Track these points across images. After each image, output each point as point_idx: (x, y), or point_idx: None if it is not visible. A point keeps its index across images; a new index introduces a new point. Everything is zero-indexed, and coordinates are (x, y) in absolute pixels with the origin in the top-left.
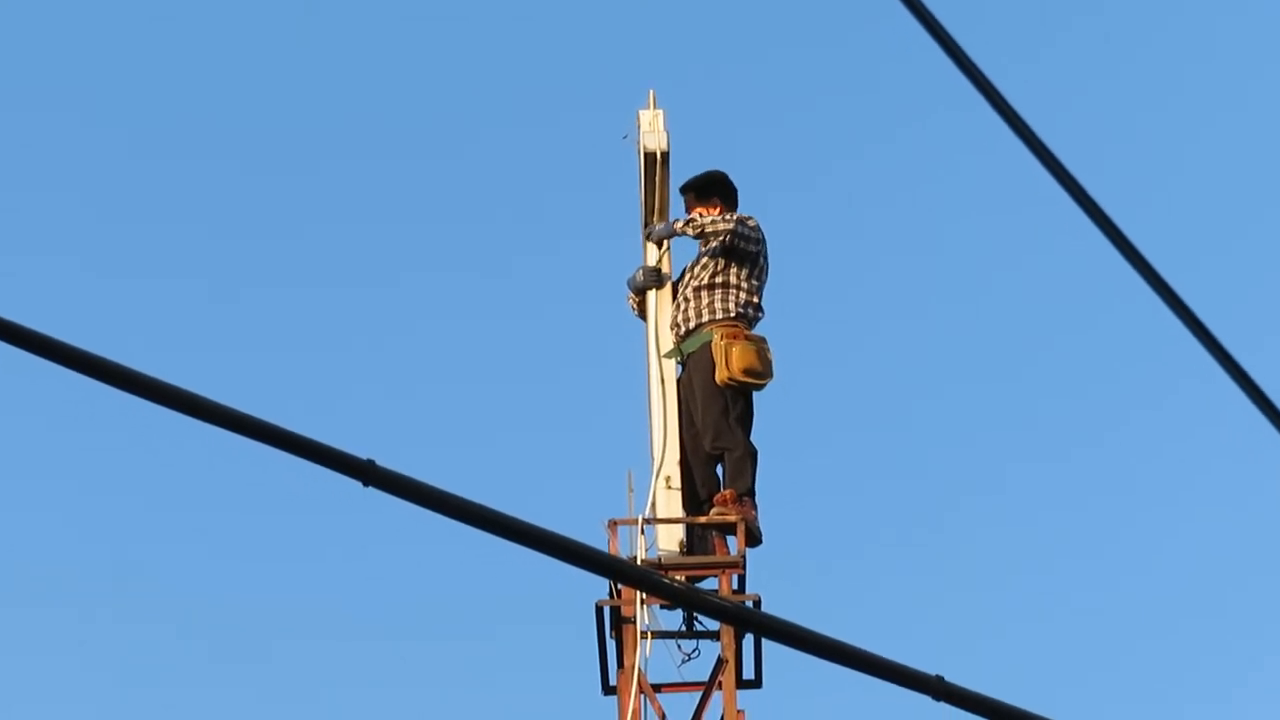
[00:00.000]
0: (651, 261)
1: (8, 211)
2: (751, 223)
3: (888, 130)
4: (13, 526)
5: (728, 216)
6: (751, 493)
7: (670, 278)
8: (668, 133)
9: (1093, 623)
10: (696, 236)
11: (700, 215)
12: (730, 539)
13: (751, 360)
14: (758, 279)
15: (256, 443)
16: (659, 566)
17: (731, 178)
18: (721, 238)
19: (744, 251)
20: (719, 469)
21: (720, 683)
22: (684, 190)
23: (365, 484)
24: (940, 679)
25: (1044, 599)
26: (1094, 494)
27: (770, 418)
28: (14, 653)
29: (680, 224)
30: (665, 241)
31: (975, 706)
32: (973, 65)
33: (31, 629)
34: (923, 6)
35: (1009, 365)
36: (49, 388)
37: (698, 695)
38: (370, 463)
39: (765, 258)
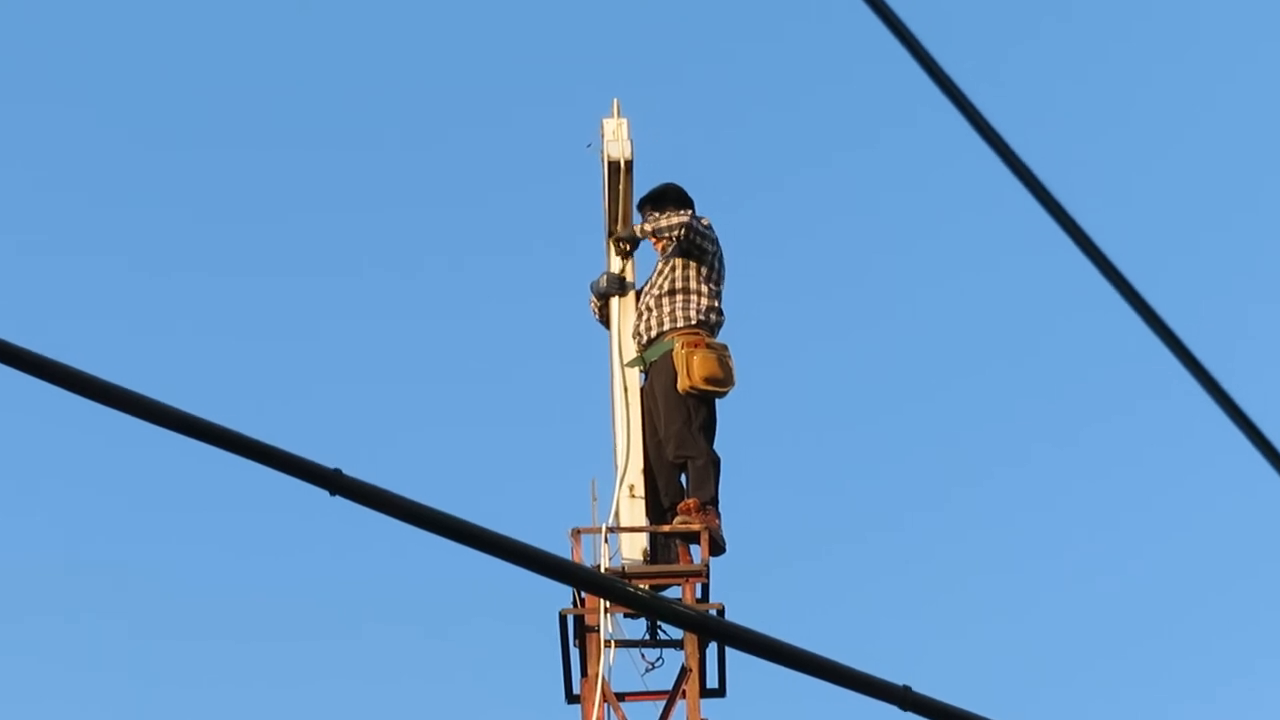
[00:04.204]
0: (615, 269)
1: None
2: (705, 222)
3: (855, 135)
4: None
5: (682, 213)
6: (715, 501)
7: (634, 285)
8: (631, 141)
9: (1062, 627)
10: (654, 234)
11: (655, 215)
12: (694, 547)
13: (713, 368)
14: (716, 283)
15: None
16: (622, 575)
17: (688, 188)
18: (677, 231)
19: (701, 250)
20: (682, 477)
21: (684, 691)
22: (640, 205)
23: (332, 493)
24: (907, 689)
25: (1012, 603)
26: (1061, 496)
27: (733, 425)
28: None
29: (639, 227)
30: (629, 248)
31: (942, 716)
32: (939, 69)
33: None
34: (888, 9)
35: (975, 368)
36: (19, 393)
37: (662, 704)
38: (337, 472)
39: (721, 260)
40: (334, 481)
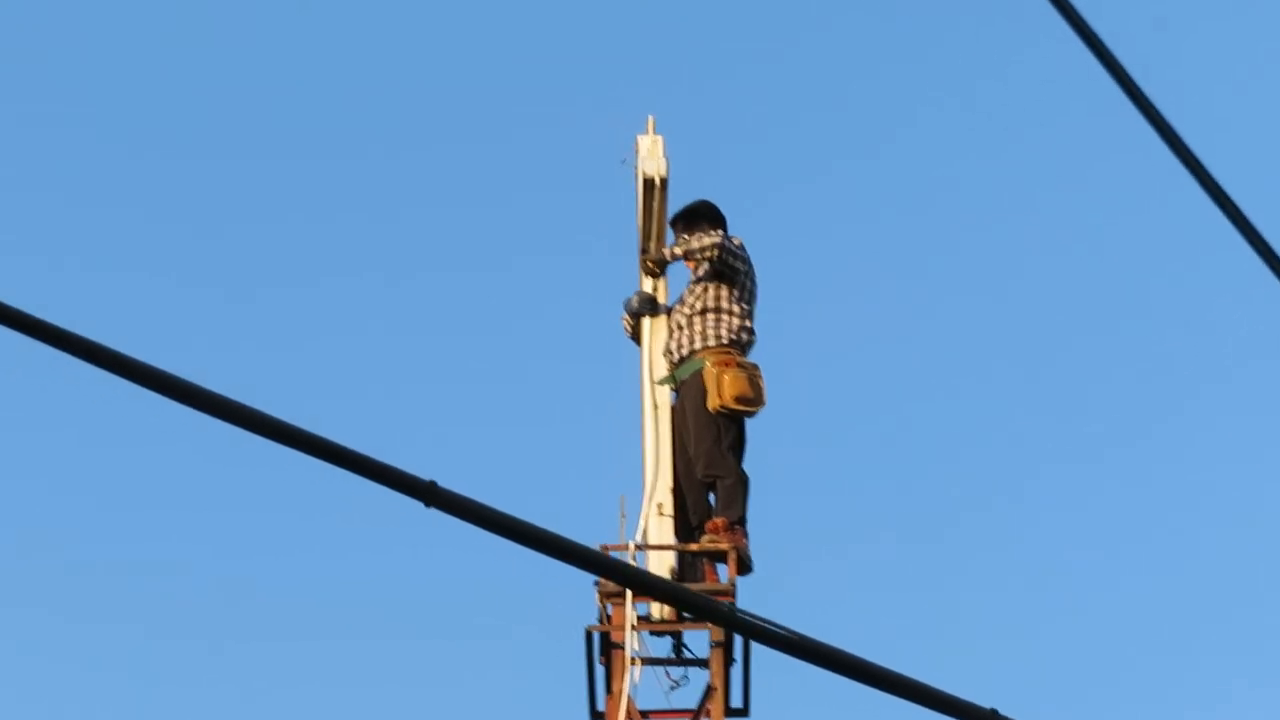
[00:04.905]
0: (647, 288)
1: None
2: (737, 241)
3: (885, 146)
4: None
5: (714, 233)
6: (743, 520)
7: (665, 306)
8: (667, 159)
9: (1089, 633)
10: (686, 256)
11: (686, 238)
12: (721, 567)
13: (743, 388)
14: (748, 303)
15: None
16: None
17: (722, 205)
18: (709, 253)
19: (732, 270)
20: (711, 496)
21: (708, 710)
22: (672, 222)
23: (428, 505)
24: (994, 712)
25: (1048, 609)
26: (1085, 508)
27: (763, 444)
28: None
29: (670, 250)
30: (659, 270)
31: None
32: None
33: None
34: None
35: (1007, 375)
36: (104, 398)
37: None
38: (432, 484)
39: (753, 280)
40: (429, 494)
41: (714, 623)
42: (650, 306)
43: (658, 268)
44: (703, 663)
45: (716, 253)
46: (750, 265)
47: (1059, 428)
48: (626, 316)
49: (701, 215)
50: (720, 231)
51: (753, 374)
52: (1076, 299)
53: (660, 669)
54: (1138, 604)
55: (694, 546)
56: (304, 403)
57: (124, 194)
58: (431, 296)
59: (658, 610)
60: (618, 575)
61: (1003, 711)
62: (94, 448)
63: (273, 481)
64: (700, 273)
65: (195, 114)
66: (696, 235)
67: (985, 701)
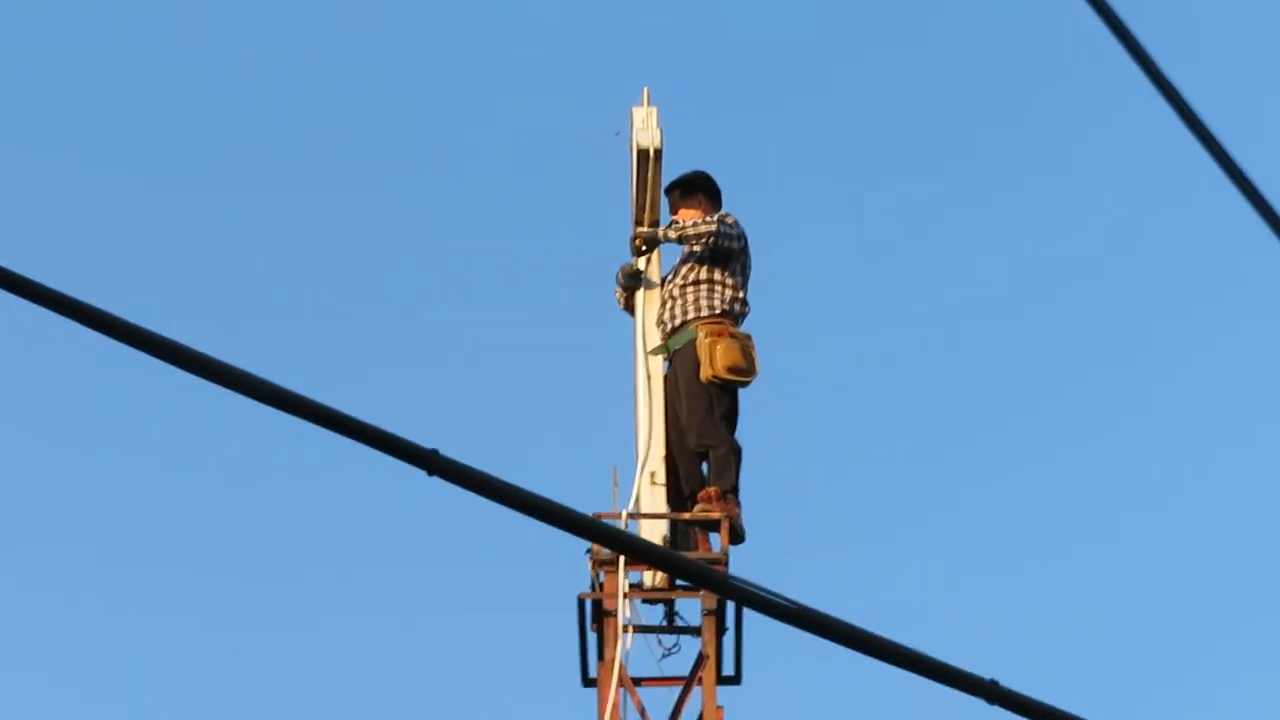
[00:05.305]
0: (641, 265)
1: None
2: (731, 219)
3: (883, 127)
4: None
5: (709, 219)
6: (735, 490)
7: (651, 281)
8: (661, 130)
9: (1091, 605)
10: (679, 241)
11: (682, 220)
12: (713, 536)
13: (736, 358)
14: (742, 274)
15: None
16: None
17: (716, 176)
18: (704, 239)
19: (727, 250)
20: (703, 466)
21: (700, 678)
22: (668, 190)
23: (430, 473)
24: (994, 683)
25: (1050, 580)
26: (1086, 492)
27: (755, 414)
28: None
29: (663, 230)
30: (651, 249)
31: (1029, 713)
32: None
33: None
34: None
35: (1015, 343)
36: (130, 375)
37: (677, 690)
38: (434, 452)
39: (747, 253)
40: (432, 462)
41: (709, 588)
42: (634, 282)
43: (649, 247)
44: (695, 630)
45: (712, 240)
46: (745, 239)
47: (1062, 401)
48: (619, 288)
49: (698, 187)
50: (715, 217)
51: (745, 344)
52: (1101, 267)
53: (652, 636)
54: (1142, 577)
55: (686, 515)
56: (306, 371)
57: (123, 158)
58: (429, 268)
59: (650, 578)
60: (614, 542)
61: (1003, 683)
62: (87, 412)
63: (274, 449)
64: (695, 248)
65: (201, 86)
66: (692, 221)
67: (985, 673)
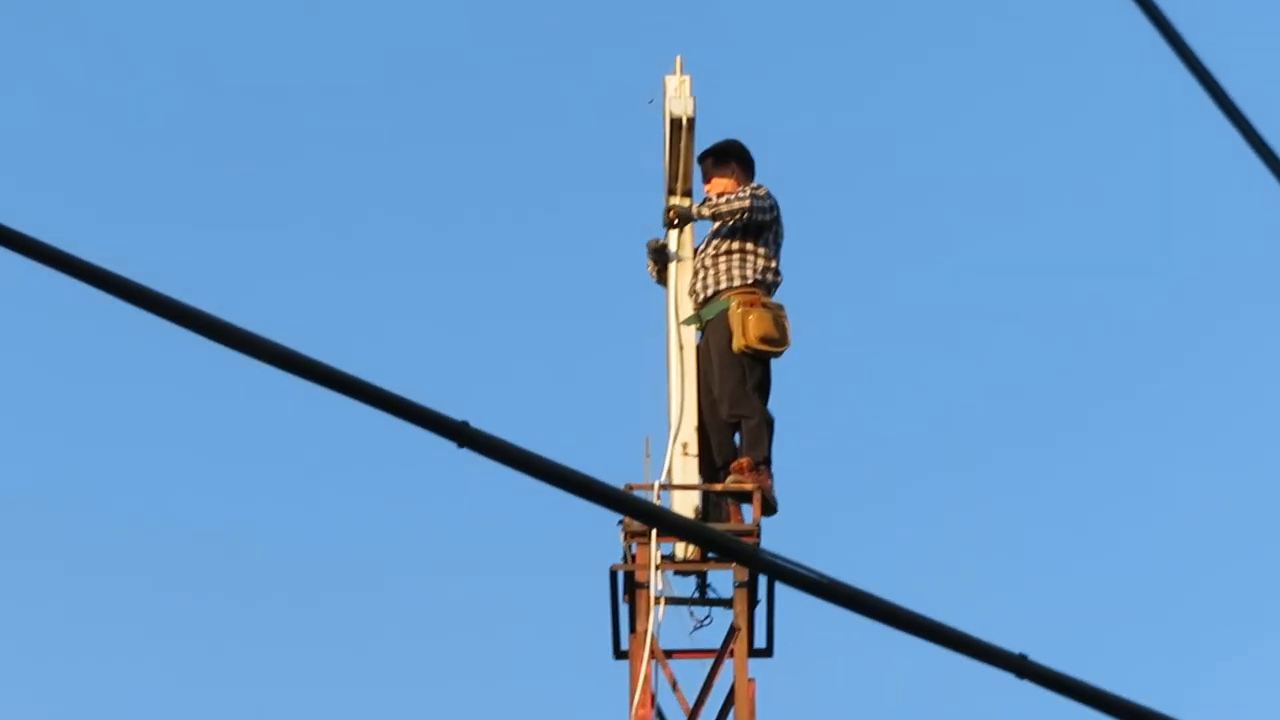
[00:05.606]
0: (672, 242)
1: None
2: (762, 191)
3: (919, 92)
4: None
5: (741, 193)
6: (768, 461)
7: (686, 253)
8: (694, 99)
9: (1120, 578)
10: (713, 218)
11: (715, 196)
12: (746, 507)
13: (768, 328)
14: (774, 244)
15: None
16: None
17: (749, 145)
18: (738, 216)
19: (760, 222)
20: (736, 437)
21: (732, 651)
22: (701, 158)
23: (460, 445)
24: (1023, 657)
25: (1080, 553)
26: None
27: (788, 385)
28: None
29: (696, 208)
30: (684, 224)
31: (1059, 687)
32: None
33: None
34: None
35: (1047, 305)
36: (127, 333)
37: (709, 662)
38: (465, 424)
39: (780, 223)
40: (462, 434)
41: (739, 562)
42: (662, 256)
43: (681, 222)
44: (727, 603)
45: (745, 216)
46: (777, 210)
47: (1096, 371)
48: (651, 261)
49: (731, 156)
50: (747, 191)
51: (778, 314)
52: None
53: (684, 608)
54: (1169, 550)
55: (718, 486)
56: (336, 342)
57: (156, 127)
58: (461, 237)
59: (682, 550)
60: (645, 515)
61: (1032, 657)
62: (113, 387)
63: (305, 421)
64: (729, 222)
65: (239, 53)
66: (724, 197)
67: (1014, 647)
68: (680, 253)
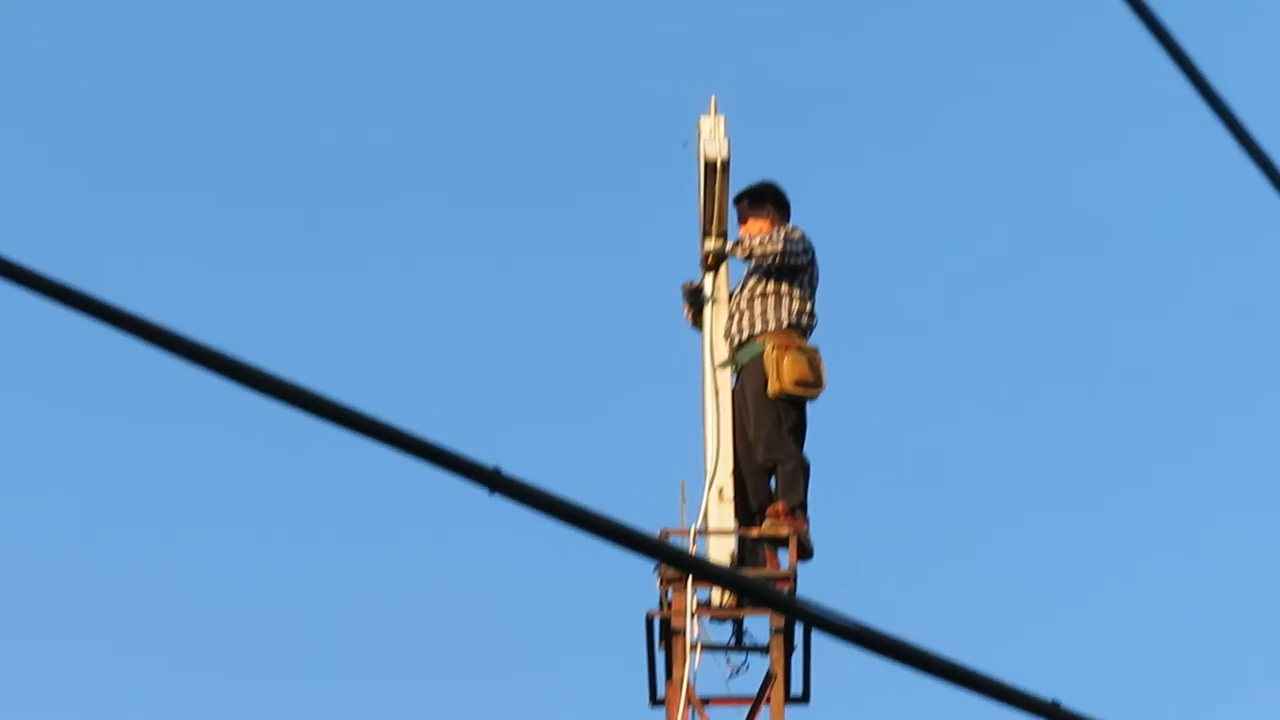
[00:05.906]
0: (707, 285)
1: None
2: (797, 234)
3: (953, 134)
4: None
5: (774, 236)
6: (804, 505)
7: (721, 296)
8: (729, 140)
9: (1153, 624)
10: (746, 259)
11: (749, 237)
12: (782, 552)
13: (803, 371)
14: (809, 286)
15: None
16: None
17: (784, 187)
18: (771, 259)
19: (795, 265)
20: (771, 481)
21: (769, 697)
22: (737, 200)
23: (491, 491)
24: (1056, 705)
25: (1113, 600)
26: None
27: (823, 429)
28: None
29: (730, 246)
30: (719, 265)
31: None
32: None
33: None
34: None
35: (1078, 348)
36: (179, 387)
37: (746, 709)
38: (496, 471)
39: (815, 266)
40: (493, 480)
41: (774, 610)
42: (696, 299)
43: (717, 264)
44: (763, 649)
45: (779, 260)
46: (812, 253)
47: (1128, 409)
48: (686, 304)
49: (767, 198)
50: (781, 234)
51: (813, 357)
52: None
53: (721, 655)
54: (1203, 596)
55: (755, 531)
56: (367, 388)
57: (180, 169)
58: (494, 282)
59: (718, 596)
60: (679, 562)
61: (1065, 704)
62: (147, 428)
63: (335, 467)
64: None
65: (251, 83)
66: (759, 239)
67: (1048, 693)
68: (715, 295)
